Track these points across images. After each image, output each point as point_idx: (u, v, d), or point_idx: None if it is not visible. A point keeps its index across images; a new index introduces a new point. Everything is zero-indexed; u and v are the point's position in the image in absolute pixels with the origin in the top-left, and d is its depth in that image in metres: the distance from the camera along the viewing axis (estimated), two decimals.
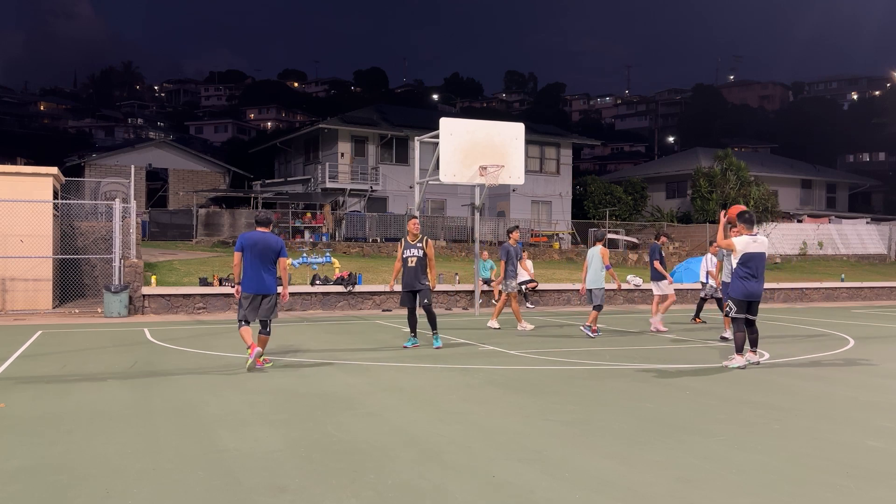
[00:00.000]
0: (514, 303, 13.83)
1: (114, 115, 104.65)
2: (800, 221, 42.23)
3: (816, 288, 24.94)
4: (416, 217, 11.62)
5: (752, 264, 9.07)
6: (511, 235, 13.85)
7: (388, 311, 18.16)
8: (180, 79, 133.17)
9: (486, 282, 19.60)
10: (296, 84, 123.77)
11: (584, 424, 6.07)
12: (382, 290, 18.68)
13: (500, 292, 14.08)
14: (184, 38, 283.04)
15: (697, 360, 9.94)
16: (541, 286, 20.19)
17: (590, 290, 12.73)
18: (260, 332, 8.94)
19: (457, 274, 20.86)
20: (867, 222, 42.74)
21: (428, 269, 10.74)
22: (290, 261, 17.98)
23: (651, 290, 14.46)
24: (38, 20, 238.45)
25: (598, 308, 12.58)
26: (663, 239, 14.53)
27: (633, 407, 6.76)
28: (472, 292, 18.78)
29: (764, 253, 9.21)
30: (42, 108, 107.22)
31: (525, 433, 5.75)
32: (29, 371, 8.66)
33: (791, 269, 31.44)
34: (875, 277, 29.32)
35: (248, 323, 8.92)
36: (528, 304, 19.64)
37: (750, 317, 9.20)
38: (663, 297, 14.10)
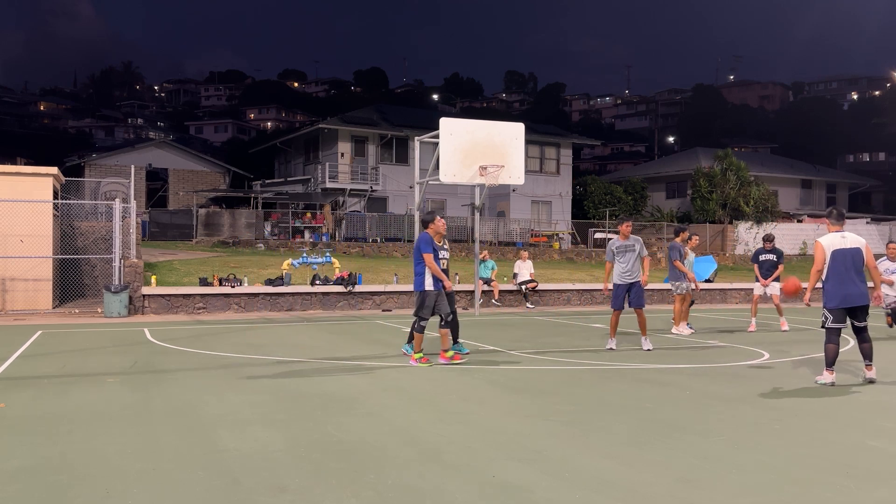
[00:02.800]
0: (679, 304, 13.56)
1: (114, 115, 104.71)
2: (800, 221, 42.22)
3: (817, 288, 24.92)
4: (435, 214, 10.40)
5: (843, 264, 7.88)
6: (680, 236, 13.67)
7: (388, 311, 18.16)
8: (180, 79, 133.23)
9: (486, 282, 19.59)
10: (296, 84, 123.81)
11: (584, 424, 6.06)
12: (382, 290, 18.69)
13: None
14: (184, 38, 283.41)
15: (697, 360, 9.94)
16: (541, 286, 20.19)
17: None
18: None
19: (457, 274, 20.85)
20: (867, 222, 42.73)
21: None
22: (289, 261, 18.09)
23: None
24: (39, 20, 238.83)
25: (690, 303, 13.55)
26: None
27: (633, 407, 6.75)
28: (472, 292, 18.77)
29: (859, 249, 7.95)
30: (42, 108, 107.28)
31: (525, 433, 5.75)
32: (29, 371, 8.65)
33: (791, 269, 31.35)
34: None
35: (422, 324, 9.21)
36: (528, 305, 19.64)
37: (856, 323, 7.99)
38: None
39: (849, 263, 7.88)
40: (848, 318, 7.97)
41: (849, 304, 7.85)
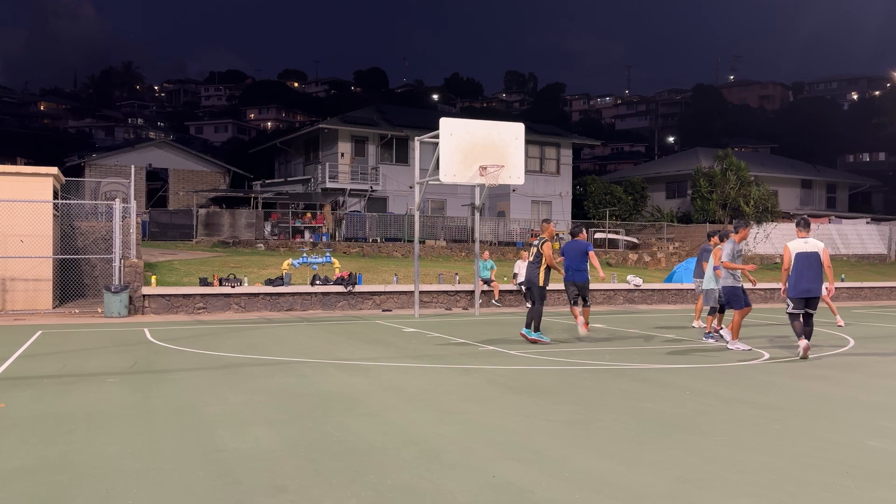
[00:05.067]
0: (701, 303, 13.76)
1: (114, 115, 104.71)
2: None
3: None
4: (550, 221, 12.89)
5: (803, 264, 9.89)
6: (712, 240, 12.71)
7: (388, 311, 18.16)
8: (180, 79, 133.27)
9: (486, 282, 19.59)
10: (296, 84, 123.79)
11: (584, 424, 6.06)
12: (382, 290, 18.69)
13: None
14: (184, 38, 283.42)
15: (697, 360, 9.94)
16: None
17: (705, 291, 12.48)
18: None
19: (457, 274, 20.87)
20: (867, 222, 42.70)
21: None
22: (289, 261, 18.09)
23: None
24: (39, 20, 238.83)
25: (712, 311, 12.08)
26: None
27: (633, 407, 6.76)
28: (472, 292, 18.78)
29: (816, 253, 9.92)
30: (42, 108, 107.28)
31: (525, 433, 5.75)
32: (29, 371, 8.66)
33: None
34: (875, 277, 29.32)
35: (574, 304, 12.62)
36: (529, 305, 19.62)
37: (808, 310, 10.02)
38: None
39: (806, 264, 9.91)
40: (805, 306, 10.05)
41: (805, 294, 9.93)
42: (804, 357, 9.90)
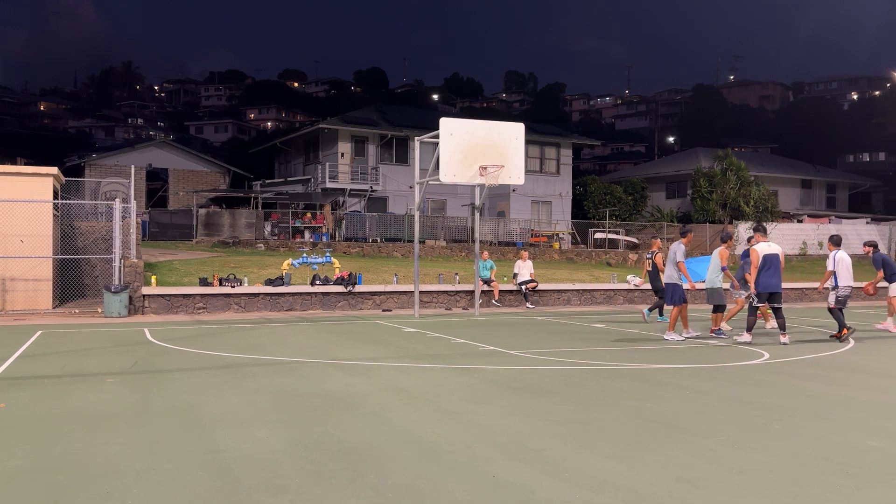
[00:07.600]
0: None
1: (114, 115, 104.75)
2: (800, 221, 42.19)
3: (816, 288, 24.91)
4: (657, 238, 15.81)
5: (768, 264, 11.49)
6: (688, 236, 12.87)
7: (388, 311, 18.16)
8: (180, 79, 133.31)
9: (486, 282, 19.59)
10: (296, 84, 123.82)
11: (584, 424, 6.06)
12: (382, 290, 18.69)
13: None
14: (184, 38, 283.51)
15: (697, 360, 9.94)
16: (541, 286, 20.18)
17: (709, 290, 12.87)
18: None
19: (457, 274, 20.86)
20: (867, 222, 42.67)
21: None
22: (289, 261, 18.11)
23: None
24: (39, 20, 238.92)
25: (718, 309, 12.52)
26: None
27: (633, 407, 6.76)
28: (472, 292, 18.77)
29: (776, 254, 11.58)
30: (42, 108, 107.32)
31: (525, 433, 5.75)
32: (29, 371, 8.66)
33: (791, 269, 31.39)
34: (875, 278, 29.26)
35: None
36: (528, 305, 19.64)
37: (773, 305, 11.63)
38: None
39: (771, 263, 11.52)
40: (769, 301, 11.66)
41: (769, 290, 11.54)
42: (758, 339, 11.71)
